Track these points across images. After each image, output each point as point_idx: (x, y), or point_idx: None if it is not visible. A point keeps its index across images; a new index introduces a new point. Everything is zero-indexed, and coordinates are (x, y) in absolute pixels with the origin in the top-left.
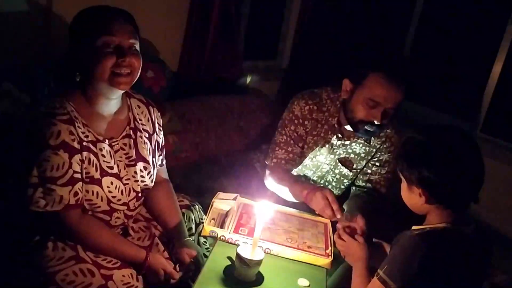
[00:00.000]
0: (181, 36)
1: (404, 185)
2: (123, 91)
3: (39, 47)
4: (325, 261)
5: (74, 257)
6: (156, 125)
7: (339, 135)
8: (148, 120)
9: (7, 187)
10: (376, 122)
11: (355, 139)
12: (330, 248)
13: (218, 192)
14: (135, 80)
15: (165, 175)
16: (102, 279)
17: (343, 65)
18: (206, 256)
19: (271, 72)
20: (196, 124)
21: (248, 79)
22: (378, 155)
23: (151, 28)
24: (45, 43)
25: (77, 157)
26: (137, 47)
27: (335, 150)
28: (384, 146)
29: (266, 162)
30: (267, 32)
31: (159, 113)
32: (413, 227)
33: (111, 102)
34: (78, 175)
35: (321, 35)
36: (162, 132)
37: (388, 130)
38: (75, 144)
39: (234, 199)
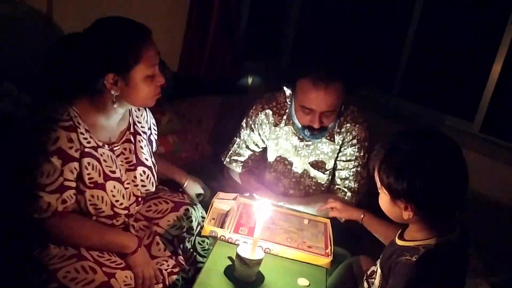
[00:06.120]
0: (181, 36)
1: (385, 197)
2: None
3: (39, 47)
4: (325, 261)
5: (76, 255)
6: (151, 125)
7: (300, 136)
8: (146, 122)
9: (5, 190)
10: (315, 127)
11: (318, 139)
12: (330, 248)
13: (218, 192)
14: None
15: None
16: (105, 276)
17: (343, 65)
18: (203, 256)
19: (271, 72)
20: (196, 124)
21: (248, 79)
22: (343, 150)
23: (151, 28)
24: (45, 43)
25: (72, 165)
26: None
27: (299, 152)
28: (346, 140)
29: (221, 159)
30: (267, 32)
31: (150, 113)
32: (399, 242)
33: (118, 111)
34: (69, 183)
35: (322, 35)
36: (155, 131)
37: (348, 124)
38: (72, 152)
39: (234, 199)
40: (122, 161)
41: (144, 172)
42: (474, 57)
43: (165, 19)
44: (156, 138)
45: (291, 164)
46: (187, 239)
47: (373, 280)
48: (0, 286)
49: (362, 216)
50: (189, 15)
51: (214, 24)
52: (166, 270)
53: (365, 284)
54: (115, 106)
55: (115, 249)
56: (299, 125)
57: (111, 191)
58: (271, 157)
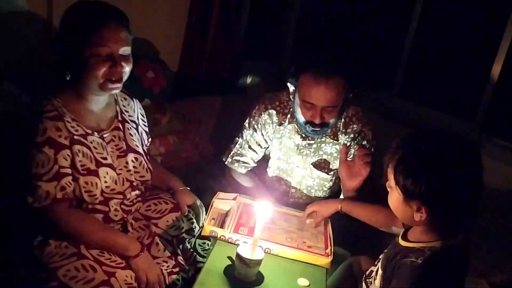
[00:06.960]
0: (181, 36)
1: (397, 196)
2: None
3: (39, 47)
4: (325, 261)
5: (76, 253)
6: (140, 116)
7: (303, 135)
8: (134, 111)
9: (5, 186)
10: (316, 122)
11: (320, 139)
12: (329, 247)
13: (218, 192)
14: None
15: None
16: (105, 274)
17: (344, 65)
18: (203, 256)
19: (271, 72)
20: (196, 124)
21: (248, 79)
22: (352, 152)
23: (151, 28)
24: (45, 43)
25: (64, 153)
26: (129, 50)
27: (301, 151)
28: (355, 142)
29: (223, 159)
30: (267, 32)
31: (140, 104)
32: (403, 243)
33: (100, 98)
34: (65, 170)
35: (322, 36)
36: (146, 122)
37: (355, 126)
38: (62, 140)
39: (234, 199)
40: (112, 148)
41: (136, 158)
42: (474, 57)
43: (165, 19)
44: (147, 130)
45: (293, 162)
46: (187, 240)
47: (371, 280)
48: (0, 286)
49: (340, 206)
50: (189, 15)
51: (214, 24)
52: (166, 270)
53: (364, 285)
54: (68, 78)
55: (117, 249)
56: (301, 120)
57: (104, 177)
58: (274, 155)
